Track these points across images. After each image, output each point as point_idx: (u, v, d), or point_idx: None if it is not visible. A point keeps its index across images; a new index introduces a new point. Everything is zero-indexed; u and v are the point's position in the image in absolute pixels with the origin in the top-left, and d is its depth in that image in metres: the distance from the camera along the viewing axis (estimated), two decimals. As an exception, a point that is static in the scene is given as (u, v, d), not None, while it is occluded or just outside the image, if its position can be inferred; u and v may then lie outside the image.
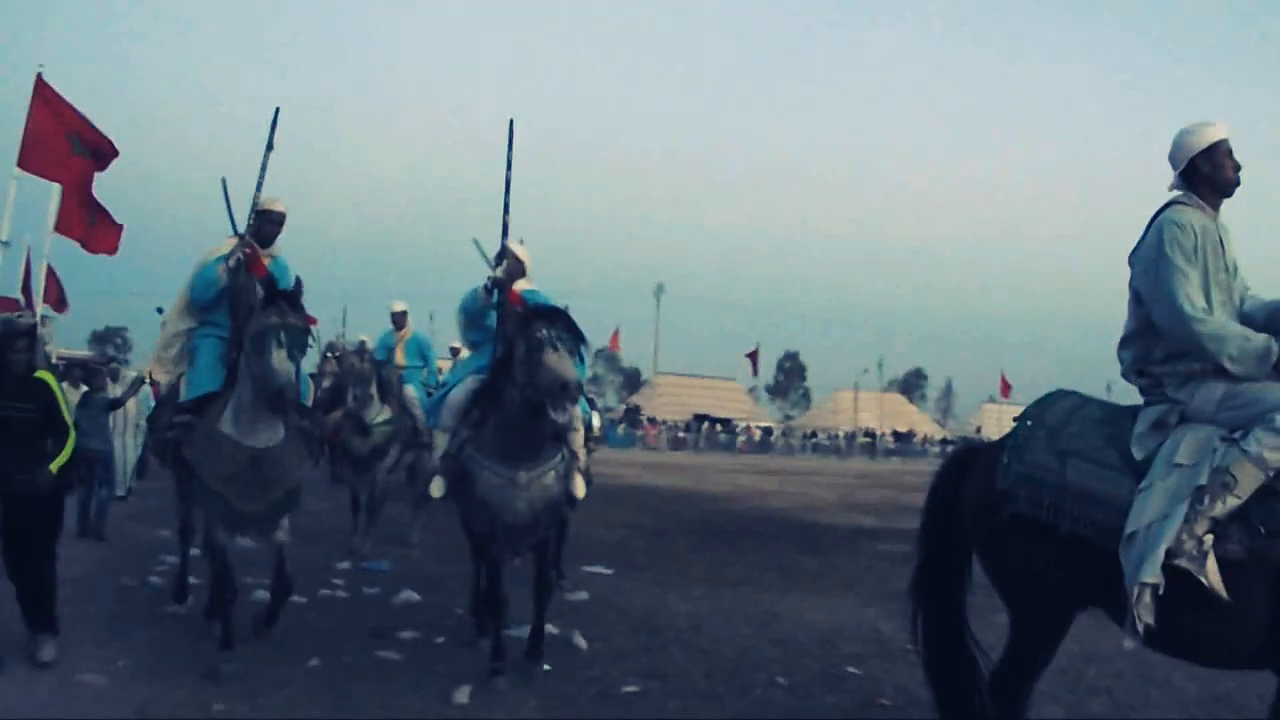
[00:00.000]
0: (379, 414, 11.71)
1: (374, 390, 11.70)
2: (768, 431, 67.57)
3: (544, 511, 6.90)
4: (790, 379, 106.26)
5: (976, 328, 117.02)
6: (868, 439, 67.42)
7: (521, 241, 8.51)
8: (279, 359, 6.31)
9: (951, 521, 4.93)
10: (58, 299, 19.32)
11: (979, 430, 76.53)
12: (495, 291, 7.66)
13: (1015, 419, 4.71)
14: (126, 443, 15.23)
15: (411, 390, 12.27)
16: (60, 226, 16.88)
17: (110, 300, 57.89)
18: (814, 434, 69.67)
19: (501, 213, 7.95)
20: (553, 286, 9.05)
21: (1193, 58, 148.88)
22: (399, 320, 13.15)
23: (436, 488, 7.27)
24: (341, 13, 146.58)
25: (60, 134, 15.56)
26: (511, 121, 8.13)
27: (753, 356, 67.14)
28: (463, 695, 6.24)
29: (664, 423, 64.93)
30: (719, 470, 36.73)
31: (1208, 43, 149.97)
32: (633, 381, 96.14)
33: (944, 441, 70.40)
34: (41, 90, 15.46)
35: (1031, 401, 4.81)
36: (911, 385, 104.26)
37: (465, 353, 9.62)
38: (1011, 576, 4.63)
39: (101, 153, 16.41)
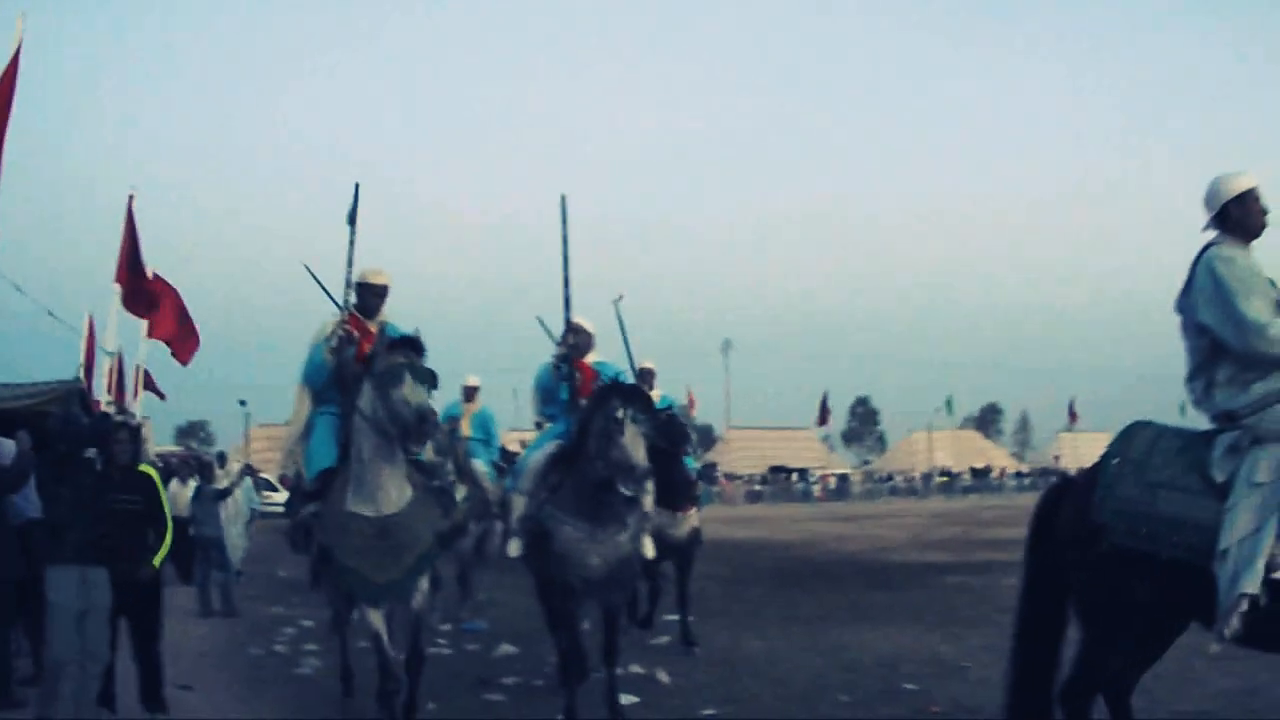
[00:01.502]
0: (458, 492, 12.00)
1: (451, 466, 11.99)
2: (843, 478, 67.62)
3: (618, 568, 7.24)
4: (863, 424, 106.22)
5: (1048, 358, 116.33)
6: (944, 478, 67.28)
7: (619, 297, 9.37)
8: (411, 390, 6.42)
9: (1052, 550, 5.29)
10: (156, 390, 20.53)
11: (1057, 460, 75.98)
12: (564, 366, 8.20)
13: (1102, 455, 5.08)
14: (238, 529, 16.24)
15: (480, 464, 12.31)
16: (154, 331, 18.34)
17: (193, 395, 59.61)
18: (890, 477, 69.63)
19: (562, 288, 8.39)
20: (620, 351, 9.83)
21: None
22: (469, 394, 13.23)
23: (514, 548, 7.61)
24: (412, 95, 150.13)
25: (135, 253, 16.98)
26: (564, 197, 8.55)
27: (823, 410, 67.10)
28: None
29: (739, 476, 65.34)
30: (794, 520, 37.30)
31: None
32: (706, 438, 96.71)
33: (1019, 475, 69.99)
34: (131, 213, 16.89)
35: (1113, 434, 5.18)
36: (987, 420, 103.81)
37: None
38: (1108, 600, 4.96)
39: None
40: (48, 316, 15.13)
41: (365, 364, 6.99)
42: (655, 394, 10.45)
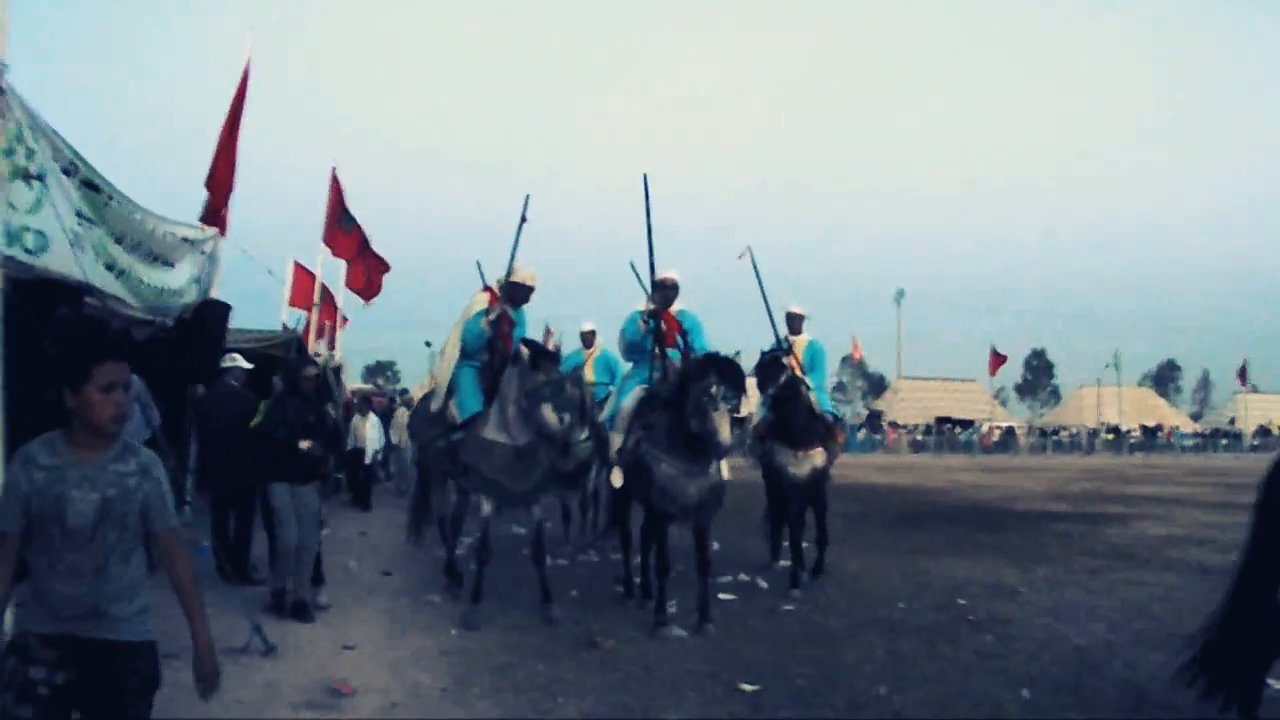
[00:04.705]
0: (581, 434, 12.14)
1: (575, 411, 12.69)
2: (1009, 431, 67.56)
3: (709, 495, 8.80)
4: (1038, 377, 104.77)
5: (1232, 316, 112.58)
6: (1109, 435, 66.63)
7: (744, 252, 10.75)
8: (548, 412, 8.43)
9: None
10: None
11: (1232, 421, 74.35)
12: (652, 322, 9.63)
13: None
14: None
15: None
16: (349, 283, 21.21)
17: (381, 334, 63.68)
18: (1055, 431, 69.21)
19: (648, 254, 9.70)
20: (787, 293, 11.08)
21: None
22: (588, 339, 13.94)
23: (617, 477, 9.32)
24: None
25: (335, 216, 19.75)
26: (645, 176, 9.77)
27: (993, 361, 66.45)
28: (671, 607, 8.99)
29: (905, 426, 66.10)
30: (946, 469, 38.46)
31: None
32: (877, 387, 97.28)
33: (1187, 434, 68.63)
34: (334, 181, 19.65)
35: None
36: (1165, 378, 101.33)
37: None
38: None
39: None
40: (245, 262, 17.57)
41: (503, 344, 9.17)
42: (803, 338, 11.66)
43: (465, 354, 9.56)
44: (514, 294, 9.62)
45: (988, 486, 28.11)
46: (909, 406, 75.28)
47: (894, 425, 65.75)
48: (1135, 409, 75.61)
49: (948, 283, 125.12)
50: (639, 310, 9.88)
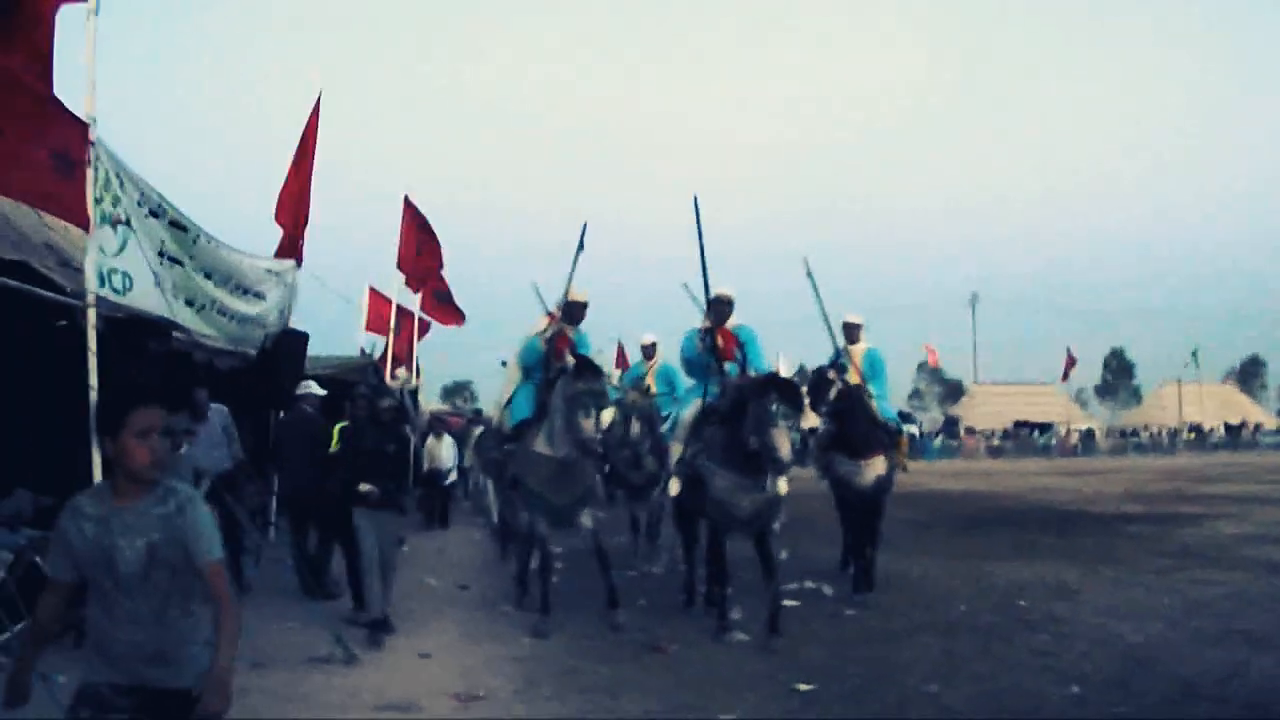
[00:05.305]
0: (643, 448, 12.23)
1: (644, 428, 12.10)
2: (1088, 434, 66.67)
3: (764, 508, 8.88)
4: (1118, 377, 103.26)
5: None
6: (1191, 434, 65.45)
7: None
8: (585, 421, 8.69)
9: None
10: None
11: (1318, 416, 72.62)
12: (709, 338, 9.87)
13: None
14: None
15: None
16: (424, 306, 21.74)
17: (458, 357, 64.75)
18: (1134, 432, 68.18)
19: (701, 274, 9.94)
20: (862, 303, 11.25)
21: None
22: (649, 351, 13.77)
23: (674, 486, 9.58)
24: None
25: (413, 244, 20.18)
26: (695, 197, 10.07)
27: (1067, 364, 65.57)
28: (736, 613, 9.27)
29: (982, 432, 65.55)
30: (1021, 474, 38.06)
31: None
32: (955, 393, 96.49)
33: (1274, 432, 67.18)
34: (407, 209, 20.07)
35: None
36: (1249, 375, 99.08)
37: None
38: None
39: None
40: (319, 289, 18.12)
41: (560, 362, 9.53)
42: (861, 347, 11.75)
43: (525, 372, 10.04)
44: (570, 313, 10.14)
45: (1063, 490, 27.86)
46: (986, 411, 74.78)
47: (971, 431, 65.24)
48: (1218, 407, 74.19)
49: (1026, 286, 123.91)
50: (696, 328, 10.14)
